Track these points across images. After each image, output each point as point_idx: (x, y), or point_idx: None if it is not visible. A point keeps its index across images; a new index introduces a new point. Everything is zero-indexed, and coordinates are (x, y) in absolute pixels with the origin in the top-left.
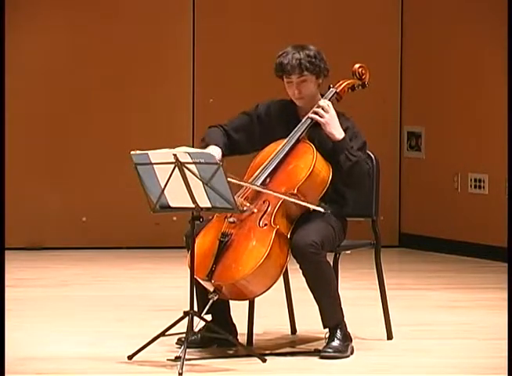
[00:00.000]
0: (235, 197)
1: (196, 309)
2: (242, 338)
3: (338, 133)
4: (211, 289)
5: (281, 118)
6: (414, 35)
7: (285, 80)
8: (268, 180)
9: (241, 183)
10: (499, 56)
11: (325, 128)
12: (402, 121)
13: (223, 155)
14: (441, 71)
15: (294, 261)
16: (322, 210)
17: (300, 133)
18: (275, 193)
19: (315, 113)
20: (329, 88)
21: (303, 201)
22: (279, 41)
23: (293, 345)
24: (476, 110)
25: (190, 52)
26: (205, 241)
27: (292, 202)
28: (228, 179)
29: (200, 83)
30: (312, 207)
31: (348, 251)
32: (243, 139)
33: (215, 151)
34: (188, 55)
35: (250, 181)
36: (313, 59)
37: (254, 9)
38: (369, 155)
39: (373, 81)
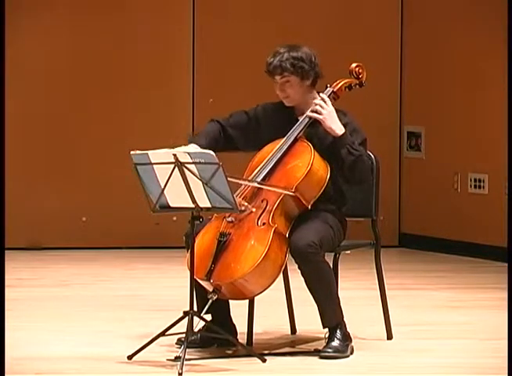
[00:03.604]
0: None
1: (195, 308)
2: (242, 338)
3: (338, 128)
4: (210, 289)
5: (278, 119)
6: (414, 35)
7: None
8: (266, 179)
9: (240, 181)
10: (499, 56)
11: (324, 123)
12: (402, 121)
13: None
14: (441, 71)
15: (294, 261)
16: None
17: (297, 132)
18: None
19: (313, 111)
20: (327, 87)
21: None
22: (279, 42)
23: (293, 345)
24: (476, 110)
25: (190, 52)
26: (204, 241)
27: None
28: (228, 178)
29: (200, 83)
30: None
31: (348, 251)
32: (238, 136)
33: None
34: (188, 55)
35: (248, 180)
36: (296, 61)
37: (254, 9)
38: (369, 154)
39: (372, 81)
